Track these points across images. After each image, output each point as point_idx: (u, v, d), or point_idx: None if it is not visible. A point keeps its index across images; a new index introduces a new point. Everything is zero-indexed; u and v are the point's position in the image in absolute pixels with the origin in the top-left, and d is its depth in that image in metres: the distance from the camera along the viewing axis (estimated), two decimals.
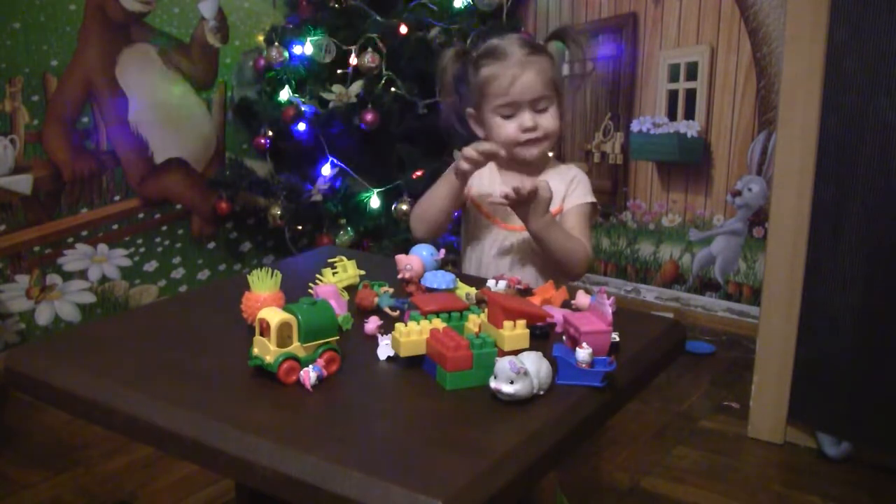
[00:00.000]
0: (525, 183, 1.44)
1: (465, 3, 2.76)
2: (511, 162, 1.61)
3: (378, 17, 2.74)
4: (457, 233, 2.53)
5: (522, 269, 1.58)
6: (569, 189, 1.59)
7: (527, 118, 1.53)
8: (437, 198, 1.58)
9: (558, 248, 1.50)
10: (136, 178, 2.81)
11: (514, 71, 1.51)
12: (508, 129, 1.54)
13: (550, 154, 1.68)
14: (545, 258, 1.56)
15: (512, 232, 1.59)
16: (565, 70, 1.65)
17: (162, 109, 2.85)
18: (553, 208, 1.55)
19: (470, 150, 1.47)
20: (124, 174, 2.78)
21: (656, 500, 1.92)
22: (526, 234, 1.57)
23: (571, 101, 3.15)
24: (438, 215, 1.59)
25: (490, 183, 1.62)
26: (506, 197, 1.43)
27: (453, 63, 1.61)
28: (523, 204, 1.46)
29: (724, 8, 2.87)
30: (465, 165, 1.48)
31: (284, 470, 0.85)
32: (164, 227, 2.92)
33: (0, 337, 2.51)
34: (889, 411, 1.92)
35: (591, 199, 1.59)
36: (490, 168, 1.63)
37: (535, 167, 1.61)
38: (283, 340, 1.00)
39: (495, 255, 1.60)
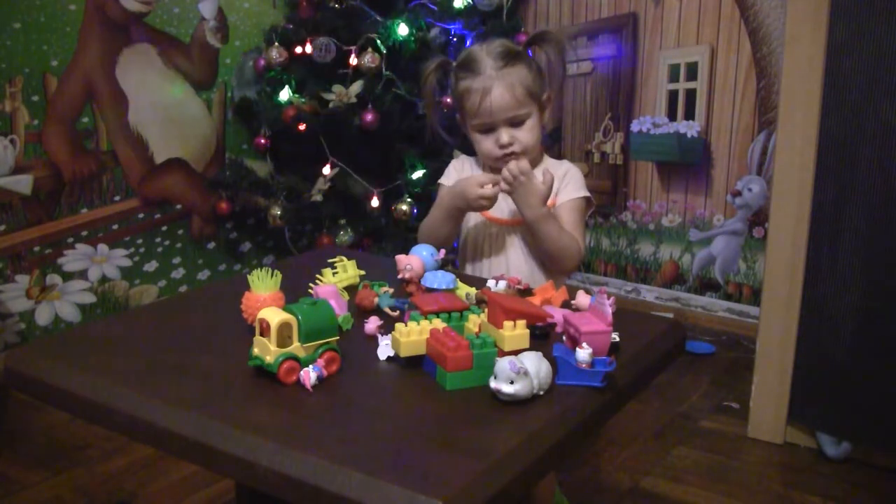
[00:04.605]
0: (516, 166, 1.46)
1: (465, 3, 2.76)
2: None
3: (378, 17, 2.74)
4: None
5: (517, 262, 1.59)
6: (561, 184, 1.59)
7: (503, 135, 1.53)
8: (442, 223, 1.60)
9: (551, 242, 1.51)
10: (136, 178, 2.81)
11: (484, 87, 1.52)
12: (486, 144, 1.56)
13: (545, 157, 1.68)
14: (537, 250, 1.57)
15: (505, 227, 1.60)
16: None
17: (162, 109, 2.85)
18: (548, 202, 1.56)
19: (485, 191, 1.50)
20: (124, 174, 2.78)
21: (656, 500, 1.92)
22: (519, 229, 1.58)
23: (567, 102, 3.16)
24: (445, 237, 1.60)
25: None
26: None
27: (433, 76, 1.62)
28: (518, 192, 1.47)
29: (724, 8, 2.87)
30: (484, 203, 1.51)
31: (284, 470, 0.85)
32: (164, 228, 2.92)
33: (0, 337, 2.51)
34: (889, 411, 1.92)
35: (583, 193, 1.60)
36: (481, 170, 1.64)
37: None
38: (283, 340, 1.00)
39: (489, 249, 1.61)
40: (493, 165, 1.59)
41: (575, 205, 1.59)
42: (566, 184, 1.60)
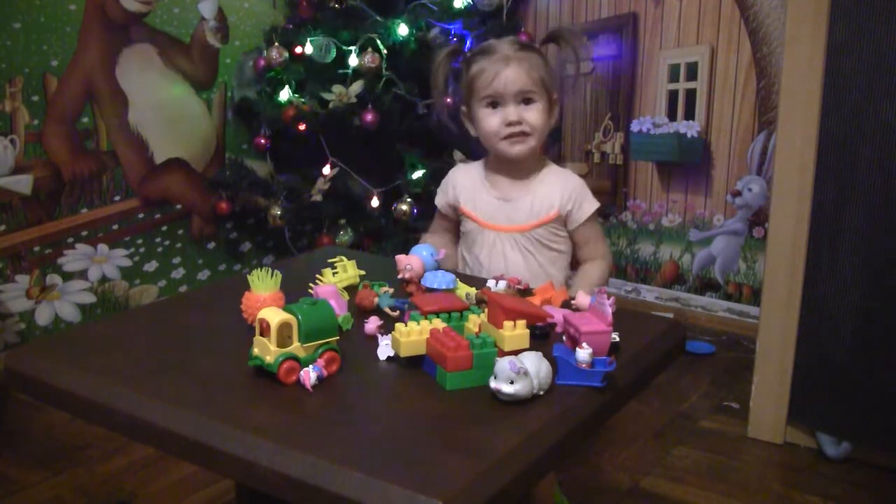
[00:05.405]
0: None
1: (465, 3, 2.76)
2: (501, 165, 1.61)
3: (378, 17, 2.74)
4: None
5: (516, 270, 1.59)
6: (574, 201, 1.59)
7: (511, 111, 1.53)
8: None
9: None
10: (136, 178, 2.81)
11: (500, 65, 1.53)
12: (492, 121, 1.55)
13: (548, 163, 1.67)
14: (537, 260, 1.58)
15: (501, 233, 1.60)
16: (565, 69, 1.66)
17: (162, 109, 2.84)
18: (550, 213, 1.56)
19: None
20: (124, 174, 2.77)
21: (656, 500, 1.92)
22: (515, 235, 1.58)
23: (567, 102, 3.17)
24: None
25: (477, 192, 1.63)
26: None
27: (446, 62, 1.63)
28: None
29: (724, 8, 2.87)
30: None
31: (284, 470, 0.85)
32: (164, 228, 2.92)
33: (0, 337, 2.51)
34: (889, 411, 1.92)
35: (595, 205, 1.61)
36: (479, 176, 1.64)
37: (527, 169, 1.60)
38: (283, 340, 1.00)
39: (487, 256, 1.61)
40: (495, 147, 1.58)
41: (592, 220, 1.61)
42: (581, 201, 1.59)
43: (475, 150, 1.67)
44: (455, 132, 1.67)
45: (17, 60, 2.46)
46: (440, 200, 1.70)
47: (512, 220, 1.59)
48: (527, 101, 1.54)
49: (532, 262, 1.59)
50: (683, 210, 3.08)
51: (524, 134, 1.54)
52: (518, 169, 1.60)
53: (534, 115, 1.54)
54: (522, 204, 1.58)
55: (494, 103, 1.54)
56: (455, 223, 1.69)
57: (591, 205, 1.60)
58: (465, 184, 1.65)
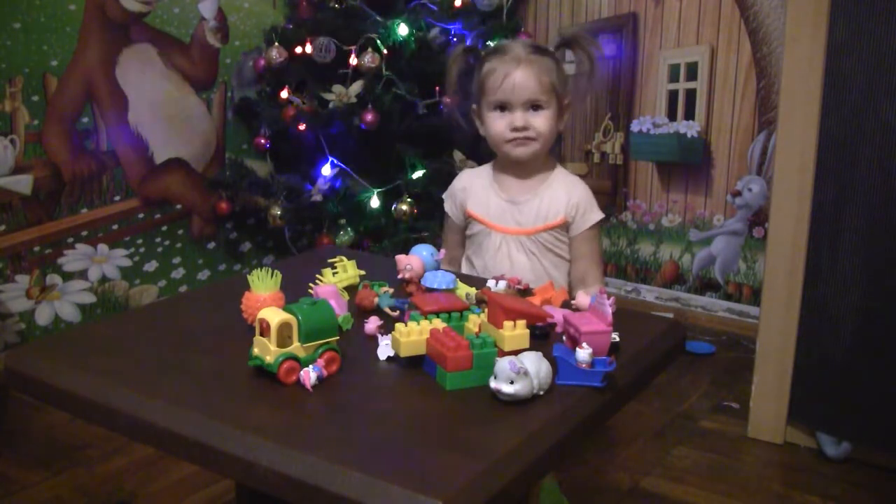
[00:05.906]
0: None
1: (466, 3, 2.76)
2: (508, 166, 1.61)
3: (378, 17, 2.74)
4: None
5: (520, 271, 1.59)
6: (579, 209, 1.59)
7: (518, 117, 1.53)
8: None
9: None
10: (136, 178, 2.81)
11: (510, 67, 1.52)
12: (499, 124, 1.55)
13: (557, 166, 1.67)
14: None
15: (508, 236, 1.60)
16: (571, 70, 1.65)
17: (162, 109, 2.84)
18: (557, 218, 1.56)
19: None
20: (124, 174, 2.77)
21: (656, 500, 1.92)
22: (521, 238, 1.58)
23: (578, 106, 3.18)
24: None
25: (486, 194, 1.63)
26: None
27: (460, 59, 1.62)
28: None
29: (724, 8, 2.87)
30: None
31: (284, 470, 0.85)
32: (164, 228, 2.92)
33: (0, 337, 2.51)
34: (889, 411, 1.92)
35: (598, 216, 1.61)
36: (488, 178, 1.64)
37: (535, 171, 1.60)
38: (283, 340, 1.00)
39: (492, 258, 1.61)
40: (500, 149, 1.58)
41: (593, 234, 1.60)
42: (584, 211, 1.59)
43: (484, 149, 1.67)
44: (466, 129, 1.68)
45: (17, 60, 2.46)
46: (448, 206, 1.70)
47: (519, 222, 1.59)
48: (535, 107, 1.53)
49: (537, 265, 1.59)
50: (683, 210, 3.08)
51: (529, 139, 1.54)
52: (525, 170, 1.60)
53: (541, 122, 1.54)
54: (529, 207, 1.59)
55: (503, 107, 1.54)
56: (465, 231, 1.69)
57: (595, 215, 1.60)
58: (473, 187, 1.65)
